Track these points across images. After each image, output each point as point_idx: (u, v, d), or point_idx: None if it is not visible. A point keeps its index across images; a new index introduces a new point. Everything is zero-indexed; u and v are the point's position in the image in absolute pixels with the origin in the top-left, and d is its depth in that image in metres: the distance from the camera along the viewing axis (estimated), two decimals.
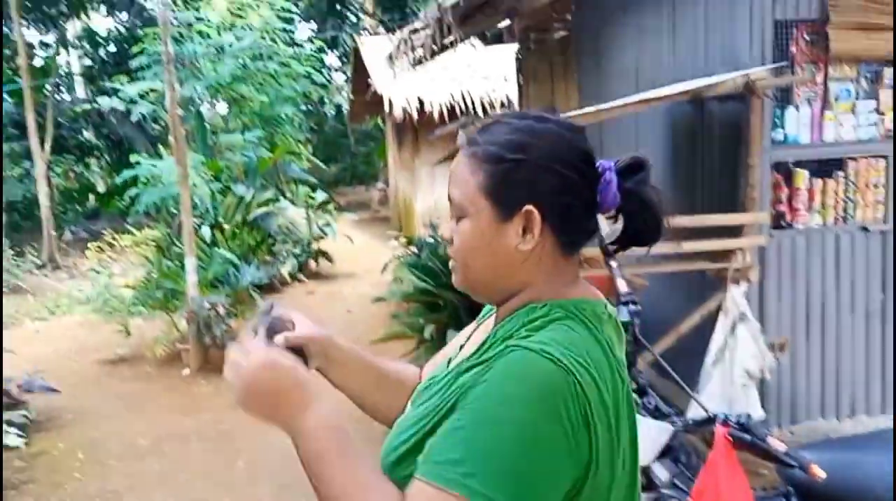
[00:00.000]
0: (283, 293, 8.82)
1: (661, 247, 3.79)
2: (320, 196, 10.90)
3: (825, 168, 3.68)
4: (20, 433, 4.43)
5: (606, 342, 0.95)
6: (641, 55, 4.57)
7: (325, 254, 9.94)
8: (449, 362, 1.11)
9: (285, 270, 9.13)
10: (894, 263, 3.76)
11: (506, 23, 6.83)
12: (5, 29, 14.23)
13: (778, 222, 3.67)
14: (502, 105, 10.31)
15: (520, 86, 7.86)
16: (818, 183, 3.67)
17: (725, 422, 1.75)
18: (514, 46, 8.23)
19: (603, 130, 5.14)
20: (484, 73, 10.93)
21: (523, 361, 0.87)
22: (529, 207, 0.94)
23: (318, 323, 1.23)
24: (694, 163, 4.02)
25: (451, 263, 1.04)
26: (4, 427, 4.33)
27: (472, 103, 10.34)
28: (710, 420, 1.83)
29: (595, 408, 0.87)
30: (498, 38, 11.31)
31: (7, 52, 14.81)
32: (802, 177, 3.64)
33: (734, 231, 3.48)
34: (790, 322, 3.73)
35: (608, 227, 2.51)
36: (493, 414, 0.85)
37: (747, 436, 1.69)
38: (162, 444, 4.57)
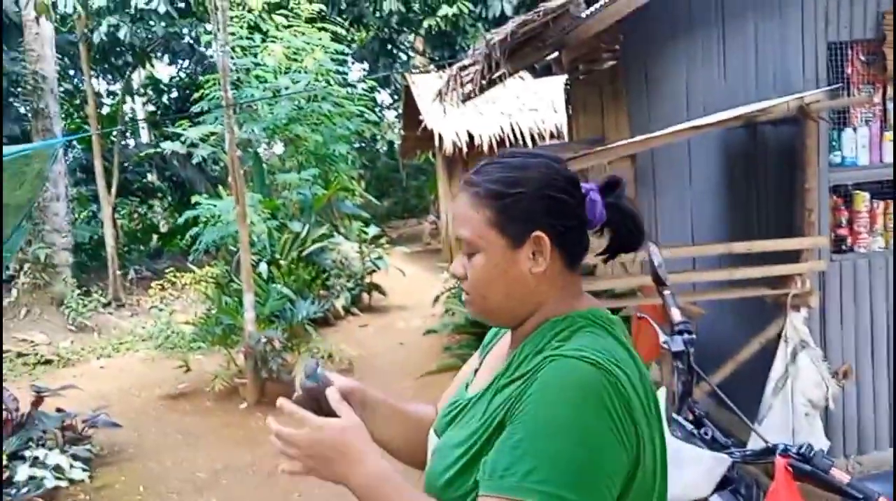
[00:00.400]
0: (337, 326, 8.92)
1: (716, 274, 3.72)
2: (373, 230, 11.05)
3: (886, 189, 3.55)
4: (85, 467, 4.56)
5: (627, 343, 1.05)
6: (692, 81, 4.54)
7: (377, 288, 10.04)
8: (467, 387, 1.17)
9: (339, 304, 9.25)
10: None
11: (554, 55, 6.88)
12: (76, 80, 15.03)
13: (838, 246, 3.55)
14: (552, 136, 10.32)
15: (569, 116, 7.86)
16: (879, 204, 3.55)
17: (786, 453, 1.69)
18: (563, 77, 8.27)
19: (655, 158, 5.10)
20: (532, 104, 10.99)
21: (565, 368, 0.95)
22: (538, 233, 1.04)
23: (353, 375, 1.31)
24: (749, 188, 3.94)
25: (465, 297, 1.11)
26: (70, 461, 4.46)
27: (521, 135, 10.38)
28: (770, 451, 1.76)
29: (634, 403, 0.96)
30: (547, 70, 11.38)
31: (76, 101, 15.63)
32: (863, 199, 3.53)
33: (793, 256, 3.39)
34: (854, 348, 3.58)
35: (658, 257, 2.46)
36: (548, 422, 0.92)
37: (809, 467, 1.62)
38: (220, 477, 4.64)
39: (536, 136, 10.35)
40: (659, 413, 1.03)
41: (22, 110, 11.32)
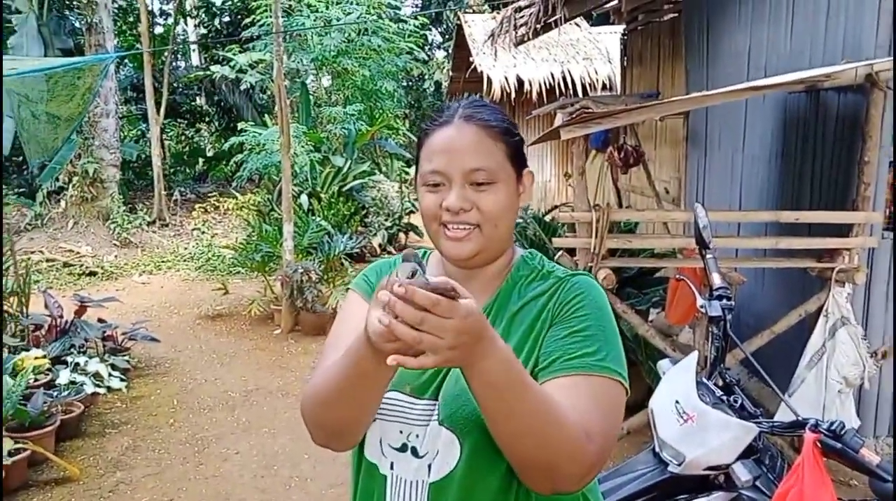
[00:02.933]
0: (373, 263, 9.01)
1: (761, 242, 3.65)
2: (413, 171, 11.02)
3: None
4: (122, 377, 4.74)
5: None
6: (755, 40, 4.35)
7: (414, 228, 10.07)
8: None
9: (376, 242, 9.33)
10: None
11: (613, 3, 6.65)
12: None
13: (892, 223, 3.43)
14: (603, 86, 10.07)
15: (623, 68, 7.65)
16: None
17: (816, 428, 1.67)
18: (620, 27, 8.01)
19: (710, 117, 4.95)
20: (586, 53, 10.70)
21: (593, 282, 1.16)
22: (528, 170, 1.18)
23: None
24: (804, 157, 3.81)
25: (461, 232, 1.09)
26: (109, 370, 4.64)
27: (573, 83, 10.14)
28: (800, 425, 1.75)
29: None
30: (604, 19, 11.03)
31: (130, 19, 15.67)
32: None
33: (842, 230, 3.29)
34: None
35: (704, 218, 2.41)
36: (600, 315, 1.10)
37: (838, 445, 1.60)
38: (250, 397, 4.80)
39: (588, 86, 10.10)
40: None
41: (76, 24, 11.39)
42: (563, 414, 0.95)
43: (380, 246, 9.41)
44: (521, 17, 6.15)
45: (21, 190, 10.91)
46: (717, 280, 2.19)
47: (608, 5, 6.72)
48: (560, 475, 0.98)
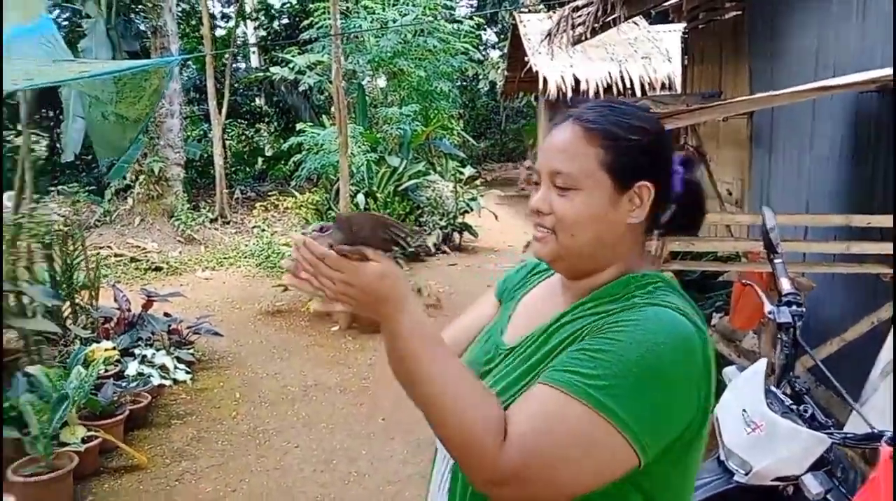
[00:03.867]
0: (427, 263, 9.07)
1: (831, 247, 3.54)
2: (468, 171, 11.04)
3: None
4: (187, 369, 4.89)
5: (696, 309, 1.03)
6: (824, 38, 4.22)
7: (469, 229, 10.09)
8: (501, 333, 1.15)
9: (430, 241, 9.38)
10: None
11: (673, 1, 6.53)
12: (193, 1, 15.47)
13: None
14: (663, 86, 9.90)
15: (684, 67, 7.51)
16: None
17: (893, 441, 1.63)
18: (680, 25, 7.86)
19: (775, 117, 4.83)
20: (645, 52, 10.54)
21: (666, 315, 0.95)
22: (646, 183, 1.03)
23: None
24: (877, 160, 3.68)
25: (540, 233, 1.07)
26: (175, 362, 4.80)
27: (631, 83, 10.01)
28: (875, 437, 1.70)
29: (712, 369, 0.96)
30: (663, 17, 10.84)
31: (192, 22, 16.11)
32: None
33: None
34: None
35: (772, 220, 2.36)
36: (634, 348, 0.90)
37: None
38: (309, 392, 4.90)
39: (646, 85, 9.95)
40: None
41: (142, 27, 11.79)
42: (471, 402, 0.91)
43: (434, 245, 9.46)
44: (579, 16, 6.09)
45: (91, 187, 11.34)
46: (786, 285, 2.15)
47: (668, 3, 6.60)
48: (464, 466, 0.93)
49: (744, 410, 1.92)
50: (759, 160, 5.08)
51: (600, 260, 1.06)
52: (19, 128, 7.02)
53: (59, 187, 9.91)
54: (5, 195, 5.36)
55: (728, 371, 2.20)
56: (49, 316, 4.68)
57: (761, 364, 2.03)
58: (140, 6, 10.67)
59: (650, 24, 11.31)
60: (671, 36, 10.27)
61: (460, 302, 7.05)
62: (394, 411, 4.47)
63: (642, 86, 9.94)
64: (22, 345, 4.23)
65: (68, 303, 5.09)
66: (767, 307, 2.15)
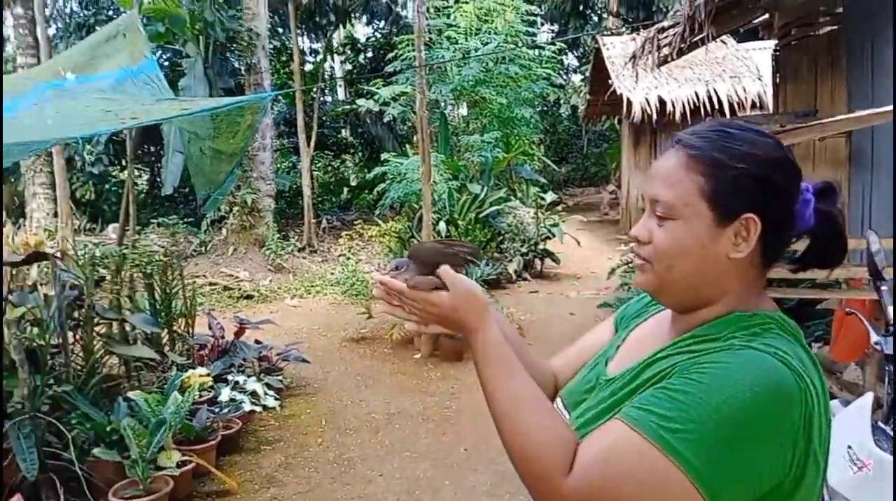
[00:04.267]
0: (508, 290, 9.03)
1: None
2: (550, 196, 10.98)
3: None
4: (276, 396, 5.02)
5: (814, 356, 0.96)
6: None
7: (550, 255, 10.00)
8: (606, 363, 1.13)
9: (511, 268, 9.34)
10: None
11: (764, 17, 6.33)
12: (283, 37, 16.18)
13: None
14: (753, 105, 9.58)
15: (776, 85, 7.24)
16: None
17: None
18: (771, 43, 7.60)
19: (876, 136, 4.58)
20: (733, 70, 10.24)
21: (763, 361, 0.88)
22: (751, 215, 0.95)
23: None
24: None
25: (638, 262, 1.04)
26: (265, 389, 4.94)
27: (719, 103, 9.73)
28: None
29: (815, 420, 0.87)
30: (751, 34, 10.52)
31: (283, 58, 16.84)
32: None
33: None
34: None
35: (878, 244, 2.23)
36: (717, 392, 0.85)
37: None
38: (393, 420, 4.93)
39: (735, 105, 9.65)
40: (829, 430, 0.94)
41: (236, 65, 12.41)
42: (537, 428, 0.95)
43: (515, 272, 9.42)
44: (665, 36, 6.00)
45: (188, 219, 11.94)
46: (893, 314, 2.01)
47: (757, 21, 6.41)
48: (529, 488, 0.96)
49: (849, 447, 1.80)
50: (859, 181, 4.81)
51: (704, 295, 1.00)
52: (124, 163, 7.47)
53: (160, 219, 10.49)
54: (109, 227, 5.70)
55: (830, 405, 2.07)
56: (148, 342, 4.92)
57: (867, 398, 1.91)
58: (235, 45, 11.24)
59: (738, 42, 11.00)
60: (761, 53, 9.96)
61: (543, 330, 6.96)
62: (477, 441, 4.44)
63: (731, 106, 9.65)
64: (123, 371, 4.46)
65: (166, 331, 5.34)
66: (874, 337, 2.02)
